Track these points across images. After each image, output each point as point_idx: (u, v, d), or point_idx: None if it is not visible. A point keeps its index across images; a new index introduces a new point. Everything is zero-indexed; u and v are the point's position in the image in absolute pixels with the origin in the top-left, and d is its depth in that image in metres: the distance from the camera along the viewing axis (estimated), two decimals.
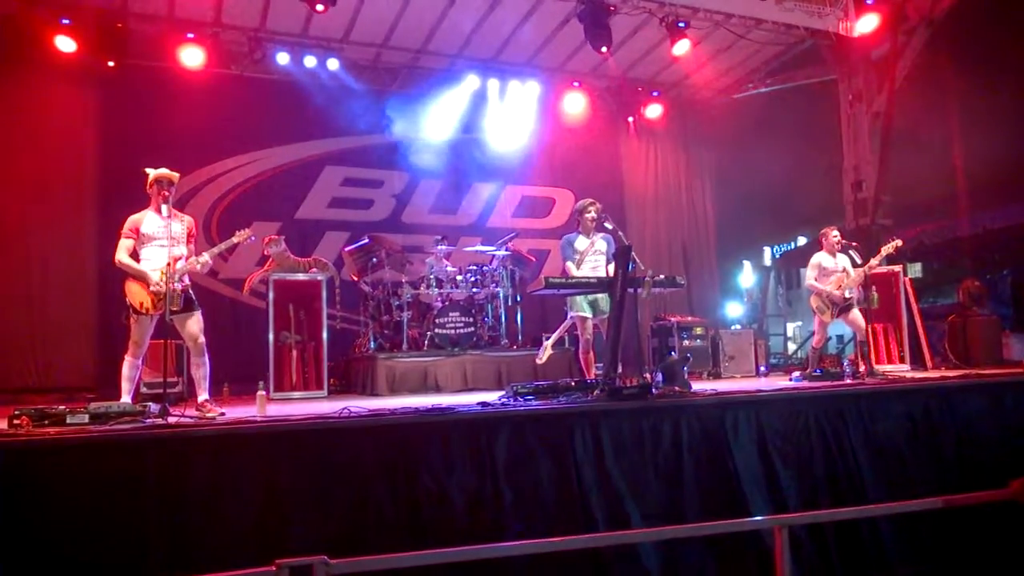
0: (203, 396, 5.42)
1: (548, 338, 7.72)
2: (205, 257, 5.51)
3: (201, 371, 5.47)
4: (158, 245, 5.39)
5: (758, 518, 4.56)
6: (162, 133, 9.71)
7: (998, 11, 11.32)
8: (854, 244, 7.97)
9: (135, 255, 5.42)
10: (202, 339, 5.47)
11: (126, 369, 5.42)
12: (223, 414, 5.13)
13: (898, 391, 5.77)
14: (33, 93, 9.37)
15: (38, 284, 9.30)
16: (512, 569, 4.02)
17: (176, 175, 5.59)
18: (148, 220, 5.45)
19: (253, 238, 5.91)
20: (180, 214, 5.62)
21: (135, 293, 5.34)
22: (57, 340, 9.29)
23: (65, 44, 8.95)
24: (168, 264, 5.30)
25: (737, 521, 4.25)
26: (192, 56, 9.48)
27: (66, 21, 8.90)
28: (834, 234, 8.02)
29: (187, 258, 5.46)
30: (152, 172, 5.52)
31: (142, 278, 5.31)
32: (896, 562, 5.01)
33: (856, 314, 7.80)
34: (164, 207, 5.40)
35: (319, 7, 8.48)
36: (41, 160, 9.39)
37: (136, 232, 5.40)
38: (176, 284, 5.32)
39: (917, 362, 9.14)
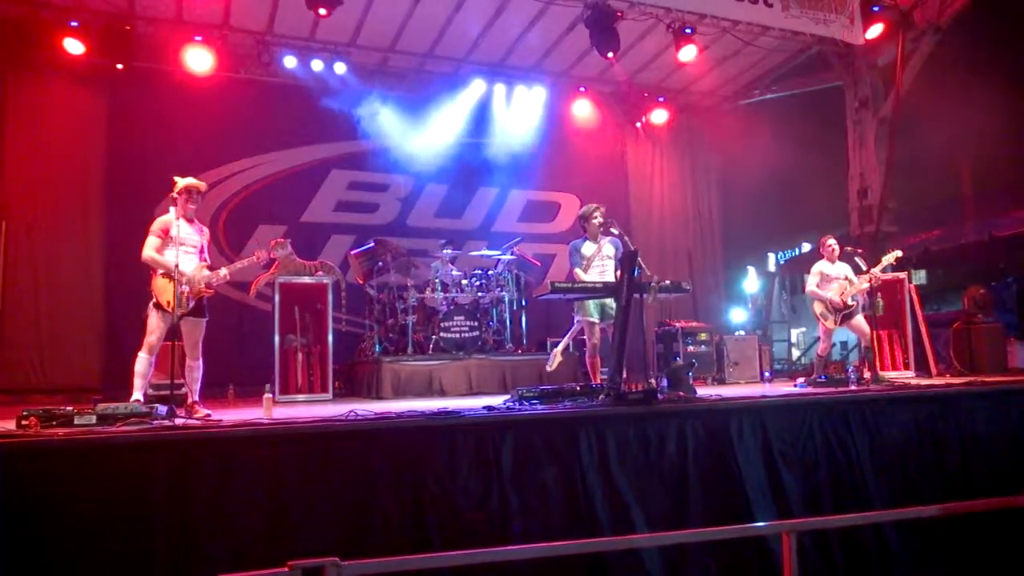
0: (193, 399, 5.60)
1: (556, 345, 7.74)
2: (224, 272, 5.74)
3: (195, 373, 5.67)
4: (184, 251, 5.54)
5: (764, 523, 4.56)
6: (169, 136, 9.77)
7: (1005, 18, 11.31)
8: (860, 251, 8.00)
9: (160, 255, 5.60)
10: (200, 345, 5.70)
11: (140, 365, 5.51)
12: (209, 415, 5.23)
13: (903, 398, 5.78)
14: (41, 95, 9.41)
15: (45, 286, 9.33)
16: (517, 572, 4.03)
17: (204, 185, 5.84)
18: (176, 225, 5.59)
19: (268, 260, 6.21)
20: (201, 225, 5.89)
21: (163, 290, 5.47)
22: (64, 342, 9.32)
23: (73, 46, 8.99)
24: (208, 268, 5.63)
25: (743, 527, 4.26)
26: (199, 59, 9.52)
27: (74, 23, 8.94)
28: (830, 243, 8.08)
29: (210, 267, 5.73)
30: (181, 181, 5.67)
31: (170, 276, 5.42)
32: (901, 569, 5.01)
33: (860, 320, 7.84)
34: (192, 217, 5.70)
35: (322, 11, 8.51)
36: (48, 161, 9.44)
37: (166, 233, 5.56)
38: (210, 289, 5.63)
39: (922, 369, 9.14)
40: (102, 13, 9.11)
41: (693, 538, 4.25)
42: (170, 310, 5.42)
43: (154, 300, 5.49)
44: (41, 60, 9.13)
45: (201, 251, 5.75)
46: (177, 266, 5.35)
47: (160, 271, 5.51)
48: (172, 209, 5.64)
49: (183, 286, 5.44)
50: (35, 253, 9.34)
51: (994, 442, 5.77)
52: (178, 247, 5.46)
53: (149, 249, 5.54)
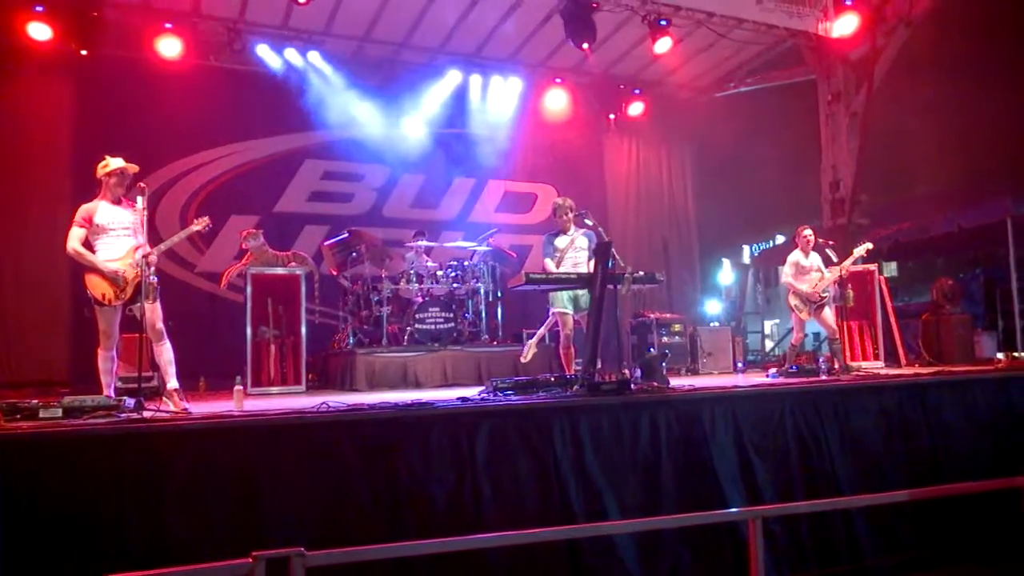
0: (172, 384, 5.30)
1: (531, 336, 7.75)
2: (153, 255, 5.38)
3: (164, 357, 5.35)
4: (114, 236, 5.29)
5: (732, 510, 4.61)
6: (138, 124, 9.59)
7: (975, 12, 11.44)
8: (831, 243, 8.07)
9: (87, 245, 5.30)
10: (160, 325, 5.33)
11: (101, 363, 5.35)
12: (187, 410, 5.01)
13: (872, 387, 5.85)
14: (5, 82, 9.22)
15: (10, 277, 9.17)
16: (490, 561, 4.04)
17: (136, 168, 5.49)
18: (102, 210, 5.32)
19: (210, 226, 5.85)
20: (133, 204, 5.44)
21: (96, 285, 5.23)
22: (30, 334, 9.18)
23: (39, 32, 8.80)
24: (144, 255, 5.24)
25: (711, 513, 4.30)
26: (170, 46, 9.37)
27: (40, 8, 8.75)
28: (806, 233, 8.13)
29: (140, 247, 5.35)
30: (113, 162, 5.41)
31: (95, 269, 5.21)
32: (869, 554, 5.08)
33: (828, 313, 7.86)
34: (139, 200, 5.31)
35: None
36: (13, 151, 9.25)
37: (89, 222, 5.27)
38: (152, 276, 5.27)
39: (891, 359, 9.26)
40: None
41: (660, 524, 4.28)
42: (106, 302, 5.22)
43: (91, 296, 5.26)
44: (5, 46, 8.94)
45: (135, 232, 5.37)
46: (144, 253, 5.21)
47: (87, 266, 5.25)
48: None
49: (119, 276, 5.22)
50: (1, 245, 9.16)
51: (961, 430, 5.87)
52: (106, 233, 5.25)
53: (73, 241, 5.21)
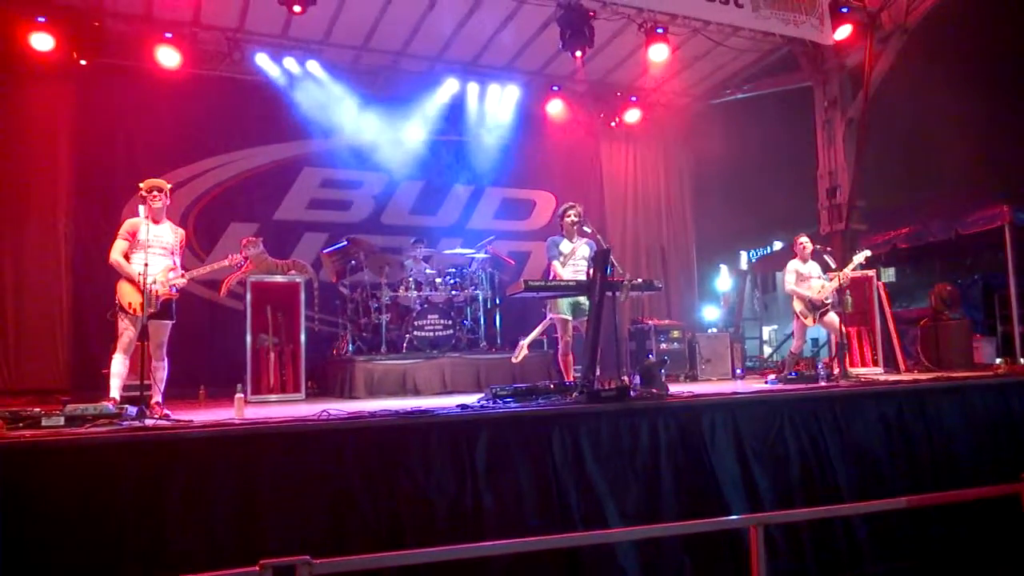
0: (157, 398, 5.61)
1: (525, 338, 7.75)
2: (183, 281, 5.80)
3: (160, 374, 5.71)
4: (151, 253, 5.57)
5: (733, 517, 4.61)
6: (138, 133, 9.65)
7: (971, 19, 11.52)
8: (828, 249, 8.13)
9: (126, 258, 5.64)
10: (164, 346, 5.73)
11: (115, 366, 5.54)
12: (168, 415, 5.21)
13: (871, 393, 5.87)
14: (7, 91, 9.23)
15: (11, 285, 9.16)
16: (491, 569, 4.05)
17: (166, 183, 5.87)
18: (144, 228, 5.66)
19: (241, 263, 6.36)
20: (174, 226, 5.93)
21: (126, 294, 5.53)
22: (30, 342, 9.16)
23: (41, 42, 8.83)
24: (175, 278, 5.66)
25: (712, 520, 4.30)
26: (169, 56, 9.39)
27: (42, 19, 8.79)
28: (803, 240, 8.21)
29: (174, 269, 5.75)
30: (150, 182, 5.76)
31: (132, 281, 5.50)
32: (869, 560, 5.09)
33: (832, 316, 7.98)
34: (141, 210, 5.68)
35: (296, 8, 8.45)
36: (14, 159, 9.26)
37: (132, 236, 5.63)
38: (174, 290, 5.66)
39: (890, 365, 9.27)
40: (70, 8, 8.96)
41: (661, 532, 4.29)
42: (133, 313, 5.49)
43: (119, 303, 5.55)
44: (7, 56, 8.96)
45: (172, 252, 5.78)
46: (147, 266, 5.38)
47: (124, 276, 5.57)
48: (141, 208, 5.69)
49: (155, 285, 5.49)
50: (1, 252, 9.17)
51: (961, 436, 5.88)
52: (146, 250, 5.51)
53: (116, 253, 5.61)
